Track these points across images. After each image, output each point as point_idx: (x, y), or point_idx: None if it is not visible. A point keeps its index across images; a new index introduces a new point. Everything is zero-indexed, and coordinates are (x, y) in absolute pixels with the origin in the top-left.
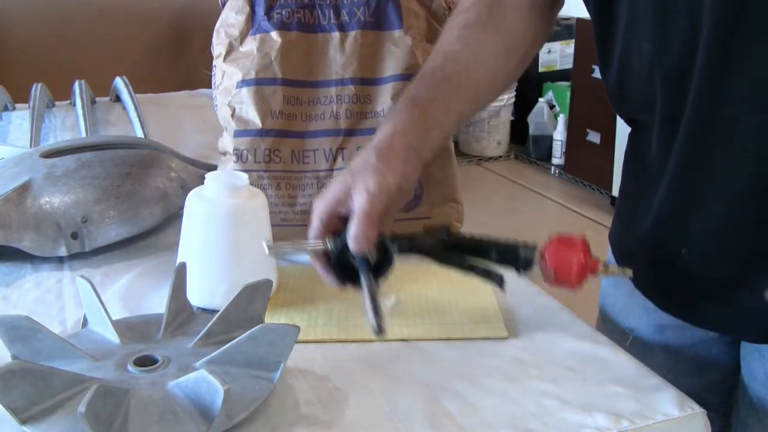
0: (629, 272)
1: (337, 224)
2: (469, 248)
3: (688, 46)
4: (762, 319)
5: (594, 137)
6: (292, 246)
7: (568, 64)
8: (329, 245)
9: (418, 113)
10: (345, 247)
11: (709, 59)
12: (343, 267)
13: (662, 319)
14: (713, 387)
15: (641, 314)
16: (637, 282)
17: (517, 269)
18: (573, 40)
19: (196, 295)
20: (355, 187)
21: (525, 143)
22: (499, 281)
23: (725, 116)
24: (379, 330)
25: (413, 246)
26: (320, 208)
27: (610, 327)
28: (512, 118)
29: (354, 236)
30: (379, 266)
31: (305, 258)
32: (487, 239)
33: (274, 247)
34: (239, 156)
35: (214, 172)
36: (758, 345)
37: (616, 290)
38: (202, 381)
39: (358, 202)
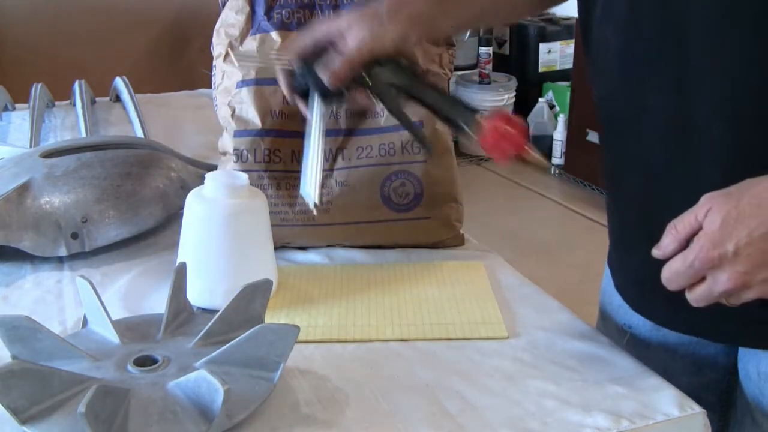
0: (545, 163)
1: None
2: (419, 99)
3: (655, 46)
4: (727, 324)
5: (594, 137)
6: (260, 58)
7: (568, 64)
8: (296, 67)
9: None
10: (309, 72)
11: (681, 63)
12: (301, 88)
13: None
14: (711, 386)
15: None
16: (616, 284)
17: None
18: (573, 40)
19: (196, 295)
20: (353, 28)
21: None
22: (427, 148)
23: (694, 124)
24: (314, 203)
25: (369, 86)
26: (310, 34)
27: (608, 325)
28: None
29: (333, 71)
30: (331, 95)
31: (305, 258)
32: (436, 101)
33: (242, 55)
34: (239, 156)
35: (214, 172)
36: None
37: (614, 288)
38: (202, 381)
39: (351, 43)
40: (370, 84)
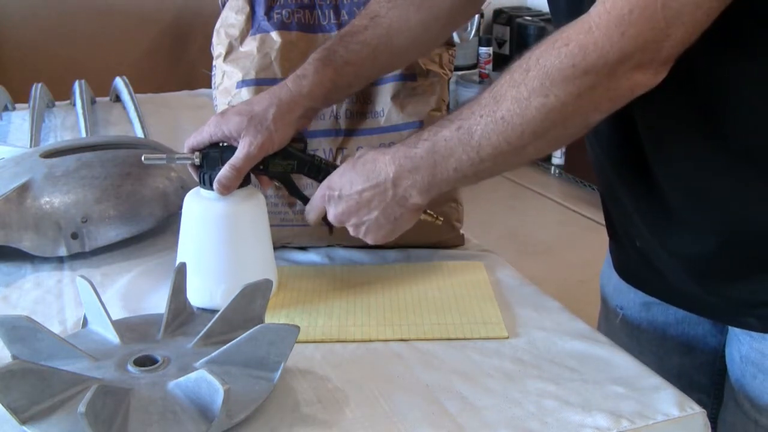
0: (438, 220)
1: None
2: (312, 176)
3: None
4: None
5: None
6: (167, 158)
7: None
8: (199, 161)
9: (330, 76)
10: (210, 163)
11: None
12: (209, 177)
13: (647, 297)
14: (703, 368)
15: (629, 292)
16: (615, 266)
17: None
18: None
19: (196, 296)
20: (242, 137)
21: None
22: (329, 226)
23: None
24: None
25: (266, 171)
26: (204, 135)
27: (605, 307)
28: None
29: (221, 181)
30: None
31: (305, 258)
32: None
33: (150, 158)
34: None
35: None
36: (734, 329)
37: (611, 270)
38: (202, 381)
39: (239, 152)
40: (267, 171)
